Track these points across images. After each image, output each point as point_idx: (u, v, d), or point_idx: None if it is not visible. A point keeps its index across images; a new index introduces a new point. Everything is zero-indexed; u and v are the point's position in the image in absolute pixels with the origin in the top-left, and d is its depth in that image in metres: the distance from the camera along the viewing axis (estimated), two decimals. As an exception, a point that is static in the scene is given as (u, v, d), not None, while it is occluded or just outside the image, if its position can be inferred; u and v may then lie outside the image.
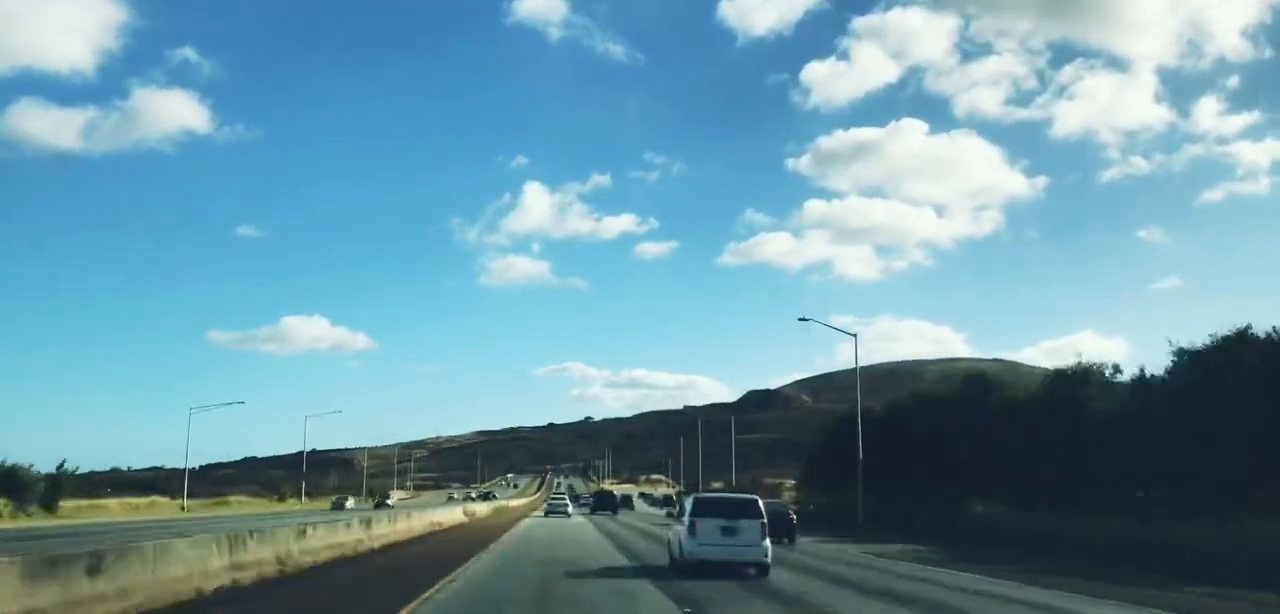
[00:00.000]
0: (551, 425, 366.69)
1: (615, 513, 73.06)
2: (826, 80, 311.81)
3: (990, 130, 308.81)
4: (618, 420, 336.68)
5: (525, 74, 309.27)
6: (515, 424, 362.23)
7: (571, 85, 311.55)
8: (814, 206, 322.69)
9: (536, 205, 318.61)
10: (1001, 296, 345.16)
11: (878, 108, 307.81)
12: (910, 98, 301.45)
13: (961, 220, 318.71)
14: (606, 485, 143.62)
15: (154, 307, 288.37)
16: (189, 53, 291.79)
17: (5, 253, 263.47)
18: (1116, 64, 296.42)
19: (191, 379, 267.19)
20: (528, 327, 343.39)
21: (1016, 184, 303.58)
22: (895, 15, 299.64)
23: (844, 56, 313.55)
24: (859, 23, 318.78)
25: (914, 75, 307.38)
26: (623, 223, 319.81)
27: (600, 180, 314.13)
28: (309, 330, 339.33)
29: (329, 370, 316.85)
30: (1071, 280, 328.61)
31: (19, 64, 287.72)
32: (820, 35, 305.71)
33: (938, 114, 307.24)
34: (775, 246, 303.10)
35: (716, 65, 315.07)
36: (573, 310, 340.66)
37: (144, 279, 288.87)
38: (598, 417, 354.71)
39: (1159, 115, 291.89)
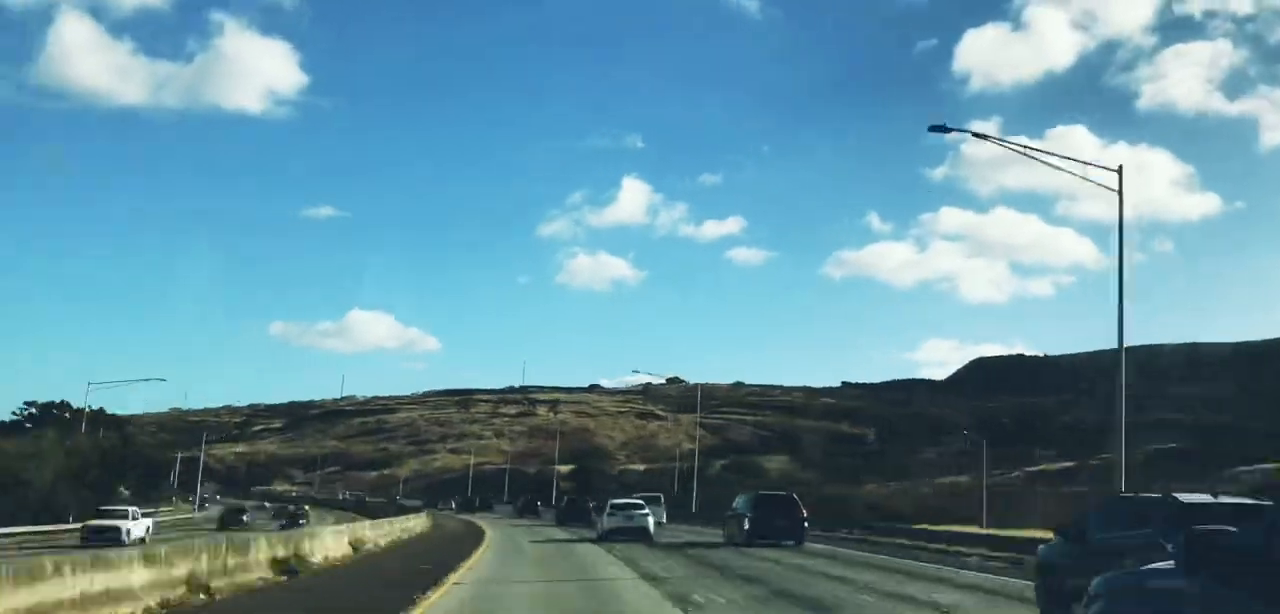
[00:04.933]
0: (597, 387, 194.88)
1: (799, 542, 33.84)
2: (989, 53, 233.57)
3: (1180, 134, 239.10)
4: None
5: (636, 35, 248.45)
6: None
7: (689, 54, 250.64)
8: (949, 215, 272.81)
9: (632, 198, 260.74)
10: (1127, 329, 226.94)
11: (1044, 103, 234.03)
12: (1083, 91, 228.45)
13: (1126, 247, 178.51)
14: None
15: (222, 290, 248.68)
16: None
17: (45, 218, 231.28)
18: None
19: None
20: (601, 333, 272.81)
21: (1203, 206, 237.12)
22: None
23: (1018, 23, 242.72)
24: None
25: (1096, 58, 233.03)
26: (727, 226, 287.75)
27: (711, 179, 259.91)
28: (379, 328, 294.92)
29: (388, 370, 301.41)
30: (1213, 314, 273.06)
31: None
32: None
33: (1118, 115, 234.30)
34: (891, 258, 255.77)
35: (866, 24, 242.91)
36: (651, 317, 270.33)
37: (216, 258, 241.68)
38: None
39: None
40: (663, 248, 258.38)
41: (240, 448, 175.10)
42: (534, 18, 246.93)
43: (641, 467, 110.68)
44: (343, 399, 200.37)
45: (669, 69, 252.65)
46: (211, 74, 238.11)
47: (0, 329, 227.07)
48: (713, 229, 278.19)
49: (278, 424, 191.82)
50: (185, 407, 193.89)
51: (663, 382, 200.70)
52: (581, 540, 37.31)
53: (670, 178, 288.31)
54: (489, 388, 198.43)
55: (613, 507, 39.33)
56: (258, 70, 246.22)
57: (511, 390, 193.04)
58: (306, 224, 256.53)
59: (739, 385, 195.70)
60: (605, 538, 36.20)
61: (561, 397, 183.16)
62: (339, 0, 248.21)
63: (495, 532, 44.50)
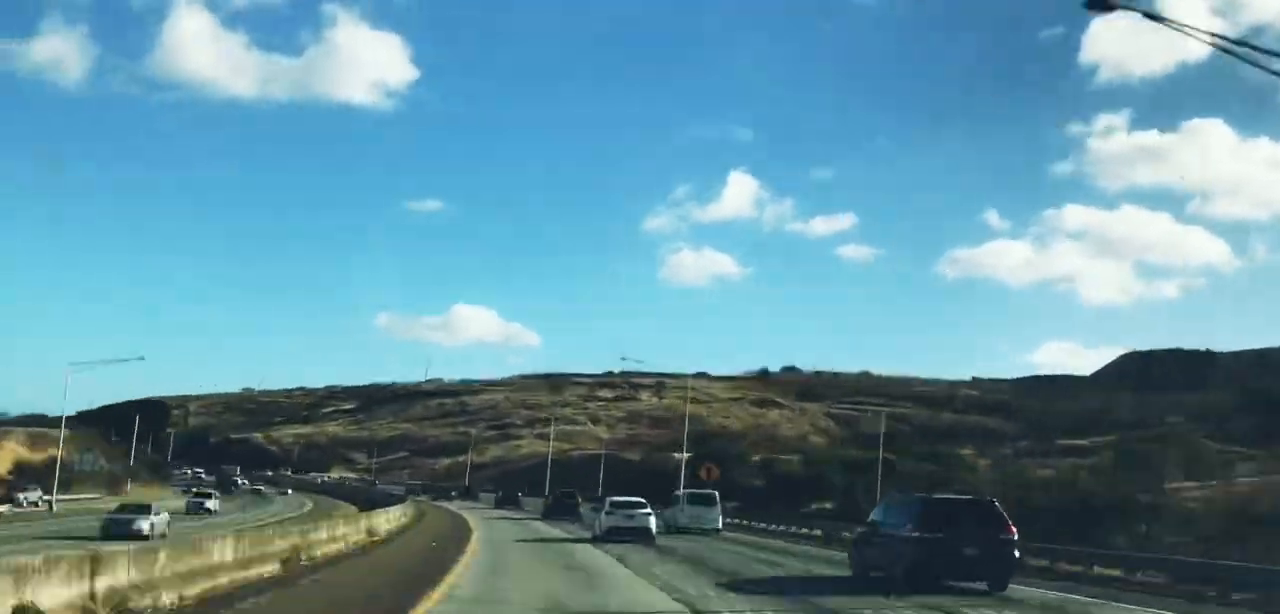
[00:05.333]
0: (703, 374, 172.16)
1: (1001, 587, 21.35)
2: (1119, 42, 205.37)
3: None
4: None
5: (748, 25, 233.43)
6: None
7: (802, 44, 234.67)
8: (1073, 212, 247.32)
9: (738, 193, 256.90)
10: (1232, 336, 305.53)
11: (1178, 96, 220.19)
12: (1220, 82, 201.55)
13: (1262, 248, 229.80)
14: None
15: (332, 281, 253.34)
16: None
17: (153, 210, 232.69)
18: None
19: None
20: (704, 330, 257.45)
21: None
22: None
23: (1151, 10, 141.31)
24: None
25: (1237, 49, 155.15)
26: (837, 222, 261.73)
27: (822, 173, 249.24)
28: (482, 322, 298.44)
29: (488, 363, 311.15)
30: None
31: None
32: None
33: (1259, 109, 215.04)
34: (1009, 256, 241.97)
35: (988, 12, 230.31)
36: (757, 312, 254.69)
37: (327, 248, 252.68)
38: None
39: None
40: (769, 244, 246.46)
41: (306, 429, 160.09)
42: (642, 8, 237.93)
43: (793, 457, 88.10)
44: (426, 382, 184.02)
45: (781, 59, 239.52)
46: (323, 66, 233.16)
47: (101, 313, 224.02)
48: (822, 225, 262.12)
49: (349, 406, 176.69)
50: (258, 387, 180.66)
51: (778, 369, 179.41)
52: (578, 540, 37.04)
53: (779, 172, 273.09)
54: (584, 372, 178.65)
55: (612, 505, 38.92)
56: (369, 63, 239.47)
57: (609, 374, 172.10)
58: (413, 218, 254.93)
59: (866, 375, 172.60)
60: (603, 539, 35.57)
61: (666, 381, 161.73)
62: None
63: (483, 533, 39.99)
